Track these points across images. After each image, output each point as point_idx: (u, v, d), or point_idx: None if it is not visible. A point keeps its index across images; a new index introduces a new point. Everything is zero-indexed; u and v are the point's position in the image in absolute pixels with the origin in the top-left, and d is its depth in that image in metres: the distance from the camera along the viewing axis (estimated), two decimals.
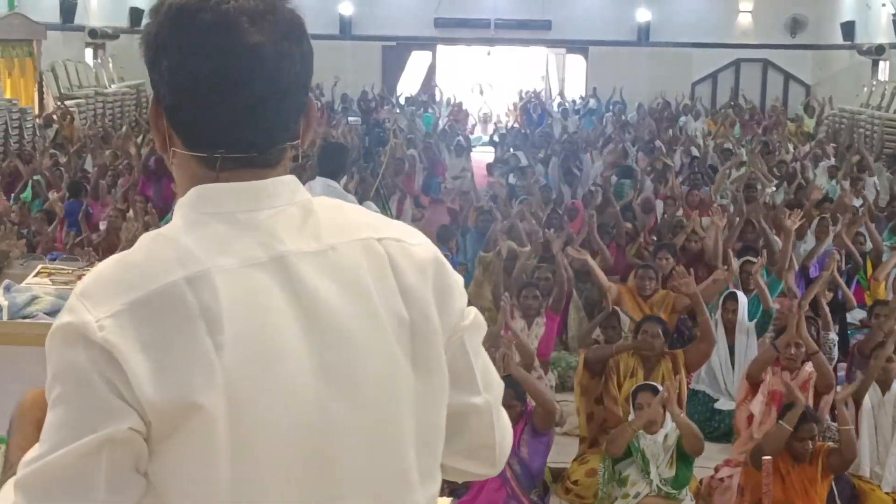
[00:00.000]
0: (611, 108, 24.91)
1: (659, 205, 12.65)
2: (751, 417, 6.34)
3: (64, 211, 11.05)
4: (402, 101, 25.93)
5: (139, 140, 17.06)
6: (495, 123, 27.02)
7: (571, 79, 29.20)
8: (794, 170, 15.54)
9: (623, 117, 23.14)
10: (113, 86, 22.13)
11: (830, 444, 5.73)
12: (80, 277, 2.65)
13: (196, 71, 1.55)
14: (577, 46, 27.97)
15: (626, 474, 5.73)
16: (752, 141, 19.34)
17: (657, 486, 5.71)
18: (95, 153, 15.30)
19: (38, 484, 1.46)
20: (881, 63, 22.55)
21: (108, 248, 9.93)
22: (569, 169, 14.75)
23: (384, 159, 14.62)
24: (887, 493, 6.05)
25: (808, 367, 6.37)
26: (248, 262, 1.52)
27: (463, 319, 1.71)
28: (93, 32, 21.92)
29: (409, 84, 27.73)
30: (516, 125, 24.51)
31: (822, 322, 7.36)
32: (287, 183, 1.61)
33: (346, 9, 27.48)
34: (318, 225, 1.60)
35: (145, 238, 1.56)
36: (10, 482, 1.54)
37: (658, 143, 18.45)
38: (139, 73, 23.62)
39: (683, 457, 5.71)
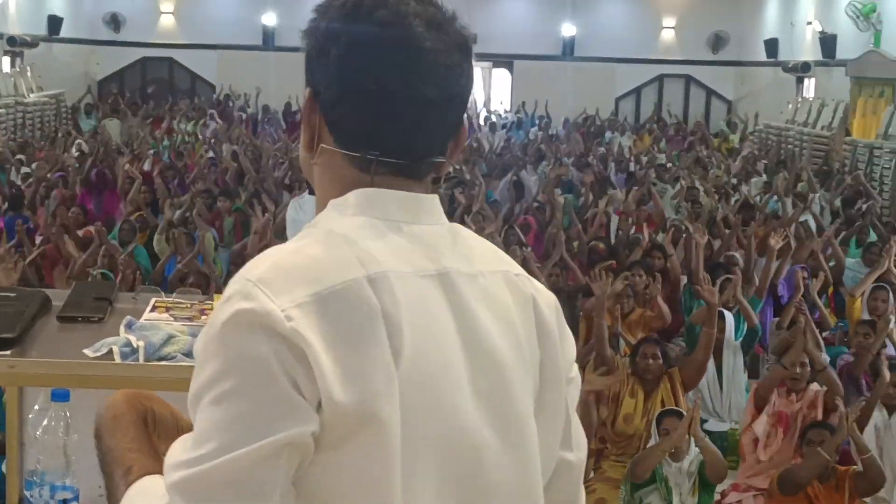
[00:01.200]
0: (536, 122, 24.92)
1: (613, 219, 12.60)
2: (756, 440, 6.23)
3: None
4: None
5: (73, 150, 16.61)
6: None
7: (496, 93, 29.15)
8: (731, 185, 15.68)
9: (549, 132, 23.19)
10: (32, 95, 21.42)
11: (855, 468, 5.64)
12: (202, 311, 2.39)
13: (366, 63, 1.52)
14: (502, 60, 27.93)
15: (648, 501, 5.58)
16: (678, 157, 19.47)
17: None
18: (19, 165, 14.78)
19: (205, 487, 1.33)
20: (806, 80, 22.87)
21: (50, 263, 9.53)
22: (515, 184, 14.61)
23: None
24: None
25: (814, 386, 6.29)
26: (419, 271, 1.48)
27: (570, 371, 1.67)
28: (11, 40, 21.21)
29: None
30: None
31: (812, 342, 7.29)
32: (438, 203, 1.59)
33: (270, 19, 27.05)
34: (467, 248, 1.57)
35: (317, 233, 1.50)
36: (149, 481, 1.49)
37: (591, 158, 18.51)
38: (59, 82, 23.03)
39: (705, 484, 5.58)
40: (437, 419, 1.44)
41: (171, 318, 2.33)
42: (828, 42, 20.68)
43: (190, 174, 14.48)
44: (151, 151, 16.62)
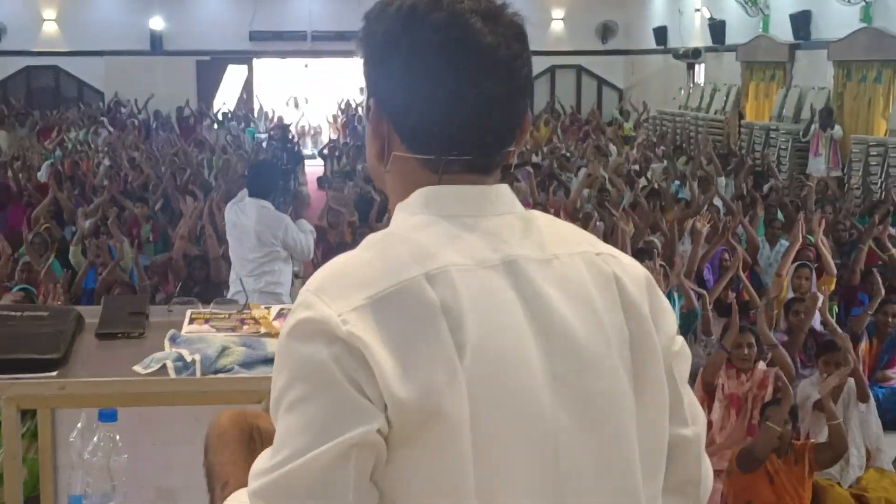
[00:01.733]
0: None
1: None
2: (709, 424, 6.30)
3: None
4: (219, 116, 25.31)
5: None
6: (313, 136, 26.70)
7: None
8: (633, 172, 15.89)
9: None
10: None
11: (814, 441, 5.74)
12: (241, 321, 2.32)
13: (431, 69, 1.51)
14: None
15: None
16: (577, 146, 19.67)
17: None
18: None
19: (281, 493, 1.39)
20: (696, 66, 23.32)
21: None
22: None
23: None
24: (847, 490, 6.11)
25: (761, 365, 6.38)
26: (482, 263, 1.49)
27: (673, 345, 1.64)
28: None
29: (225, 99, 27.02)
30: (337, 138, 24.23)
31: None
32: (507, 192, 1.59)
33: (157, 24, 26.60)
34: (540, 234, 1.57)
35: (374, 237, 1.53)
36: (239, 494, 1.52)
37: None
38: None
39: None
40: (511, 409, 1.44)
41: (213, 329, 2.25)
42: (717, 28, 21.11)
43: (87, 184, 14.14)
44: (48, 162, 16.16)
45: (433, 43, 1.52)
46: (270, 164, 9.56)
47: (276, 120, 25.25)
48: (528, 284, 1.50)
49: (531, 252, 1.54)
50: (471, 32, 1.52)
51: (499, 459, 1.44)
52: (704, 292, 7.86)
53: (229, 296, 9.58)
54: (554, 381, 1.49)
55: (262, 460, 1.43)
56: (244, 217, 6.67)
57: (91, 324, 2.32)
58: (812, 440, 5.81)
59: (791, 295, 8.58)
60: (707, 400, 6.37)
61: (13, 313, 2.31)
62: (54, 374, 2.06)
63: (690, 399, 1.69)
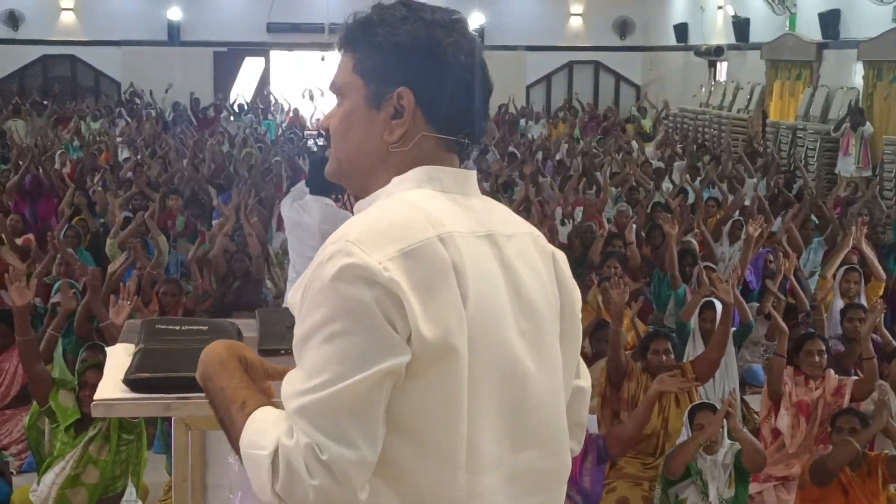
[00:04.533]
0: None
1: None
2: (776, 432, 6.20)
3: None
4: (235, 108, 25.20)
5: None
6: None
7: None
8: (658, 171, 15.76)
9: None
10: None
11: (887, 453, 5.63)
12: None
13: (464, 62, 1.86)
14: None
15: (684, 497, 5.50)
16: (601, 143, 19.54)
17: None
18: None
19: (325, 411, 1.64)
20: (719, 64, 23.18)
21: None
22: None
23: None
24: None
25: (831, 372, 6.27)
26: (474, 232, 1.80)
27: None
28: None
29: (242, 91, 26.87)
30: None
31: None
32: (475, 178, 1.93)
33: (175, 14, 26.48)
34: (500, 216, 1.91)
35: (393, 202, 1.81)
36: (267, 411, 1.74)
37: (511, 148, 18.47)
38: None
39: (741, 475, 5.52)
40: (495, 351, 1.78)
41: None
42: (741, 25, 20.97)
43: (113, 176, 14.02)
44: (59, 152, 16.04)
45: (466, 47, 1.88)
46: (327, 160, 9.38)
47: (291, 113, 25.12)
48: (503, 255, 1.83)
49: (500, 228, 1.86)
50: (465, 33, 1.91)
51: (484, 393, 1.76)
52: (782, 297, 7.74)
53: (275, 294, 9.53)
54: (521, 335, 1.83)
55: (298, 382, 1.67)
56: (306, 215, 6.56)
57: (249, 338, 2.22)
58: (886, 451, 5.69)
59: (839, 299, 8.49)
60: (774, 408, 6.27)
61: (172, 327, 2.22)
62: None
63: (580, 359, 2.09)
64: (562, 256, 1.99)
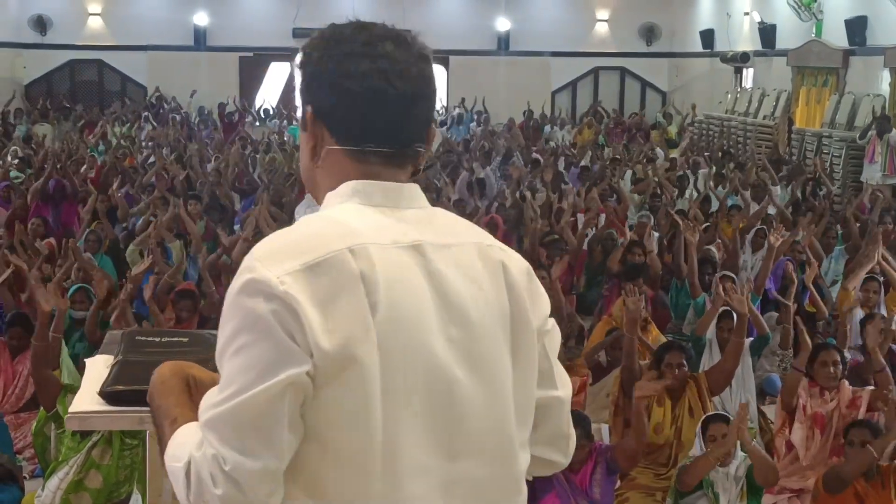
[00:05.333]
0: (474, 117, 24.79)
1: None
2: (790, 444, 6.12)
3: None
4: (260, 113, 25.26)
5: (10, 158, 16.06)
6: None
7: None
8: (682, 178, 15.64)
9: (489, 127, 23.10)
10: None
11: None
12: None
13: (358, 70, 1.86)
14: (438, 56, 27.73)
15: None
16: (626, 149, 19.44)
17: None
18: None
19: (229, 422, 1.71)
20: (744, 70, 23.05)
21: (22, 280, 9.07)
22: (478, 181, 14.45)
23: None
24: None
25: (846, 384, 6.19)
26: (395, 243, 1.82)
27: (545, 325, 2.00)
28: None
29: (266, 96, 26.94)
30: None
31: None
32: (417, 191, 1.95)
33: (201, 19, 26.59)
34: (442, 226, 1.92)
35: (309, 218, 1.86)
36: (189, 426, 1.85)
37: (536, 154, 18.41)
38: None
39: (753, 488, 5.46)
40: (414, 358, 1.79)
41: None
42: (767, 32, 20.85)
43: (137, 181, 14.07)
44: (100, 160, 16.14)
45: (358, 53, 1.87)
46: None
47: None
48: (430, 263, 1.84)
49: (433, 238, 1.87)
50: (384, 48, 1.89)
51: (402, 401, 1.77)
52: (789, 304, 7.67)
53: None
54: (449, 342, 1.83)
55: (211, 396, 1.76)
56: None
57: None
58: None
59: (858, 309, 8.40)
60: (788, 420, 6.20)
61: (153, 339, 2.20)
62: None
63: (559, 368, 2.05)
64: (517, 265, 1.96)
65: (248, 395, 1.69)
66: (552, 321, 2.03)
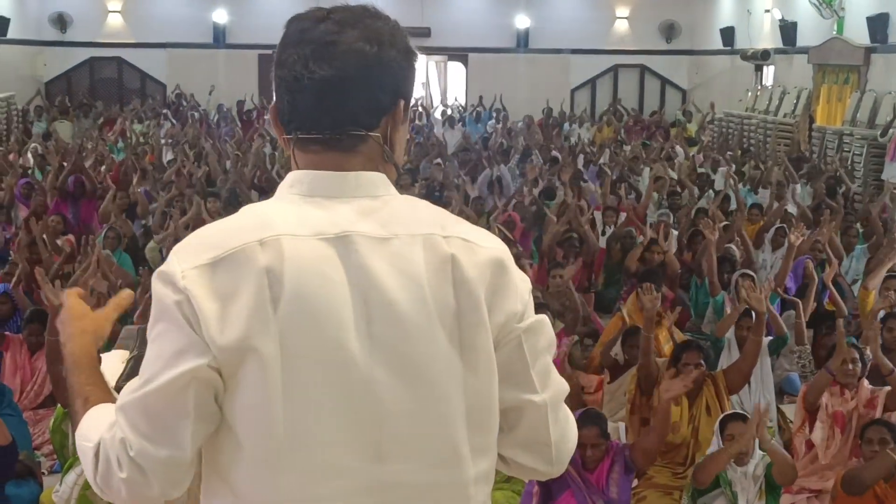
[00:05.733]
0: (492, 115, 24.75)
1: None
2: (809, 443, 6.08)
3: None
4: None
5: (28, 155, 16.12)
6: None
7: (451, 86, 28.92)
8: (703, 176, 15.58)
9: (508, 125, 23.06)
10: None
11: None
12: None
13: (284, 59, 1.85)
14: (457, 53, 27.74)
15: None
16: (646, 147, 19.37)
17: None
18: None
19: (138, 409, 1.76)
20: (765, 68, 22.94)
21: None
22: (496, 179, 14.42)
23: None
24: None
25: (865, 382, 6.15)
26: (318, 234, 1.78)
27: (519, 322, 1.87)
28: None
29: None
30: None
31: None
32: (369, 178, 1.86)
33: (220, 17, 26.63)
34: (390, 216, 1.83)
35: (246, 208, 1.88)
36: (101, 407, 1.90)
37: (555, 152, 18.36)
38: (6, 84, 22.44)
39: (771, 487, 5.42)
40: (322, 353, 1.75)
41: None
42: (788, 29, 20.74)
43: (156, 178, 14.11)
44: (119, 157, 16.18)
45: (293, 41, 1.85)
46: None
47: None
48: (355, 256, 1.78)
49: (370, 230, 1.80)
50: (319, 32, 1.84)
51: (308, 397, 1.74)
52: (799, 301, 7.64)
53: None
54: (370, 339, 1.76)
55: (133, 382, 1.79)
56: None
57: None
58: None
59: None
60: (809, 419, 6.16)
61: None
62: None
63: (545, 369, 1.92)
64: (478, 258, 1.84)
65: (155, 385, 1.74)
66: (535, 318, 1.90)
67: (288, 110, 1.87)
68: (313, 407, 1.76)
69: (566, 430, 1.98)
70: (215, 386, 1.75)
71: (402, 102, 1.91)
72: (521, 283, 1.89)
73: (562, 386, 1.96)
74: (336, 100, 1.84)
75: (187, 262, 1.76)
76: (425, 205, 1.91)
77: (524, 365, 1.88)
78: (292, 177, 1.87)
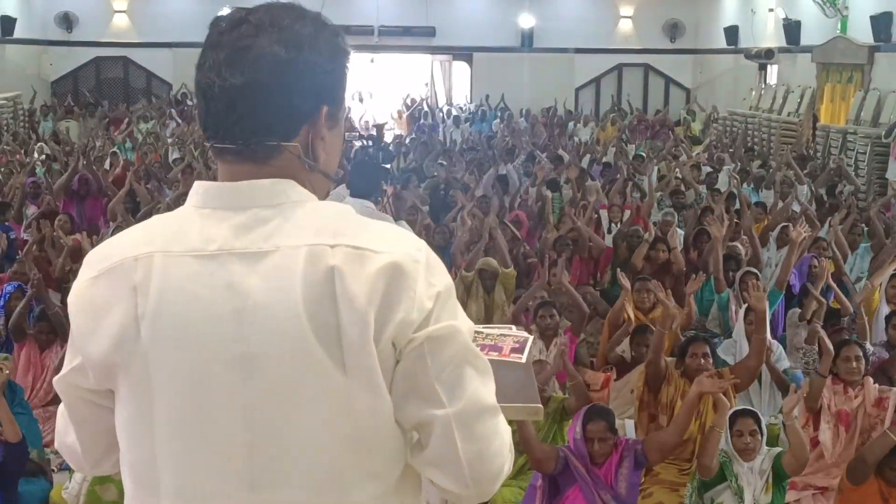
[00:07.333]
0: (497, 114, 24.79)
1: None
2: (814, 441, 6.11)
3: None
4: None
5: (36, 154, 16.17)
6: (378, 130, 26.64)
7: (456, 85, 28.98)
8: (708, 175, 15.61)
9: (512, 124, 23.10)
10: None
11: None
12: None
13: (201, 64, 1.77)
14: (462, 53, 27.79)
15: (720, 501, 5.46)
16: (650, 146, 19.42)
17: None
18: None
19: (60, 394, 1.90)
20: (769, 67, 22.96)
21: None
22: (501, 178, 14.45)
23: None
24: None
25: (869, 381, 6.17)
26: (193, 251, 1.72)
27: (418, 331, 1.70)
28: None
29: None
30: (401, 133, 24.16)
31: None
32: (268, 186, 1.75)
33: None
34: (277, 227, 1.72)
35: (154, 217, 1.85)
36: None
37: (560, 150, 18.39)
38: (12, 84, 22.50)
39: (778, 482, 5.46)
40: (184, 375, 1.70)
41: None
42: (792, 28, 20.76)
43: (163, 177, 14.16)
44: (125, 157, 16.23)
45: (211, 44, 1.75)
46: (373, 164, 9.43)
47: None
48: (227, 274, 1.70)
49: (249, 245, 1.71)
50: (232, 35, 1.73)
51: (175, 420, 1.72)
52: (823, 300, 7.67)
53: None
54: (240, 362, 1.69)
55: None
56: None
57: None
58: None
59: (884, 305, 8.37)
60: (813, 420, 6.19)
61: None
62: None
63: (455, 381, 1.73)
64: (367, 273, 1.68)
65: (59, 376, 1.87)
66: (442, 325, 1.73)
67: (203, 117, 1.78)
68: (182, 432, 1.72)
69: (486, 449, 1.77)
70: (91, 396, 1.84)
71: (325, 109, 1.79)
72: (424, 289, 1.71)
73: (481, 399, 1.76)
74: (248, 108, 1.73)
75: (84, 273, 1.79)
76: (332, 212, 1.77)
77: (427, 377, 1.72)
78: (194, 187, 1.80)
